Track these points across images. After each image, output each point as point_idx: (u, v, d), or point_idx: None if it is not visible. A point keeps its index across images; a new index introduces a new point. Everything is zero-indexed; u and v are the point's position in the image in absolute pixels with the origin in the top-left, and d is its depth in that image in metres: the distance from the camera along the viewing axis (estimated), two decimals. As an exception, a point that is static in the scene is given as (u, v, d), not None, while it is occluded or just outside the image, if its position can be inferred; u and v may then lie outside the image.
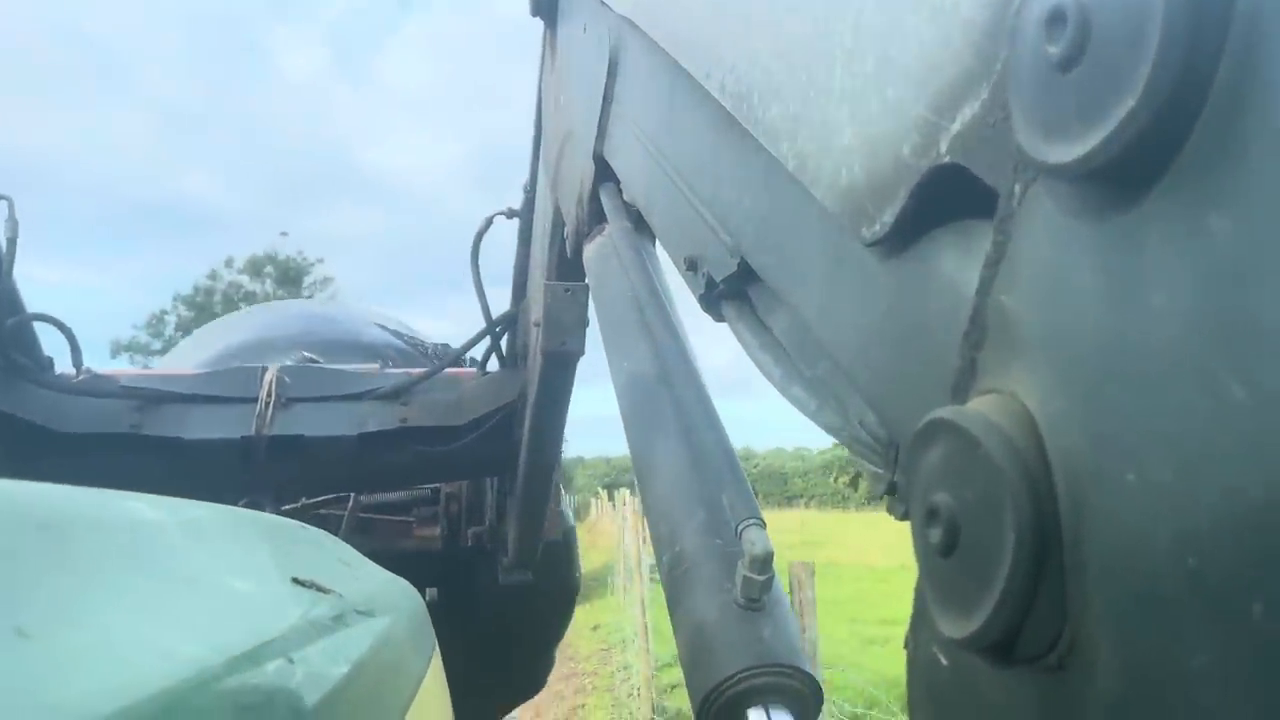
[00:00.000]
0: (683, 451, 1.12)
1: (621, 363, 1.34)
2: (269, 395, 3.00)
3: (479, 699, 3.84)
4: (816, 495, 52.67)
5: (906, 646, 0.57)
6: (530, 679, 4.54)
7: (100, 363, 3.37)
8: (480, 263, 3.20)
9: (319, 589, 0.92)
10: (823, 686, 0.89)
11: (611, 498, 24.81)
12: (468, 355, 3.44)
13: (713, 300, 1.03)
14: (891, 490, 0.65)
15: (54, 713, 0.47)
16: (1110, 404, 0.40)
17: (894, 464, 0.65)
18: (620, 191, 1.56)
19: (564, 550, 3.98)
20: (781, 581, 0.94)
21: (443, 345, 4.30)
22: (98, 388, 2.96)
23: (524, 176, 2.95)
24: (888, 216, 0.60)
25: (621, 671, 12.13)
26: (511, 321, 3.25)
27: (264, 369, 3.11)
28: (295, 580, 0.91)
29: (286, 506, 3.27)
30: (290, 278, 36.71)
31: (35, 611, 0.56)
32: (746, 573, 0.88)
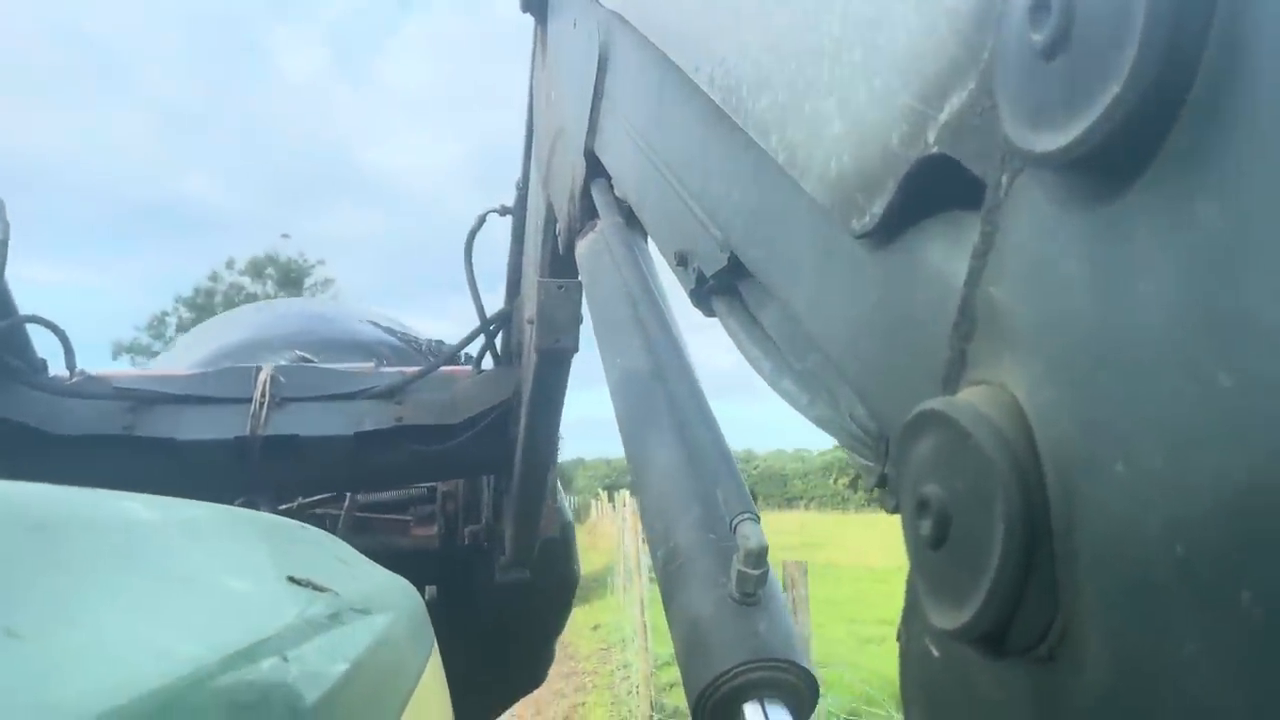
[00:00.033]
0: (677, 447, 1.12)
1: (615, 359, 1.33)
2: (263, 395, 3.00)
3: (479, 696, 3.85)
4: (816, 497, 52.67)
5: (899, 639, 0.57)
6: (530, 675, 4.54)
7: (102, 364, 3.36)
8: (478, 262, 3.20)
9: (315, 588, 0.92)
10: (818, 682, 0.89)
11: (611, 499, 24.81)
12: (463, 353, 3.44)
13: (703, 295, 1.03)
14: (882, 483, 0.65)
15: (49, 712, 0.47)
16: (1099, 394, 0.40)
17: (885, 456, 0.65)
18: (611, 187, 1.56)
19: (562, 546, 3.98)
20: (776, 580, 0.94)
21: (436, 342, 4.31)
22: (91, 389, 2.95)
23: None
24: (876, 208, 0.60)
25: (621, 670, 12.18)
26: (506, 319, 3.25)
27: (258, 369, 3.11)
28: (291, 579, 0.91)
29: (283, 506, 3.27)
30: (291, 279, 36.77)
31: (29, 612, 0.56)
32: (741, 567, 0.89)
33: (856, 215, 0.62)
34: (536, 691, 5.23)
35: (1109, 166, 0.39)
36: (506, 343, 3.30)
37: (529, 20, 2.33)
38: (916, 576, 0.52)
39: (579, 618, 15.76)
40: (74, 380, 2.98)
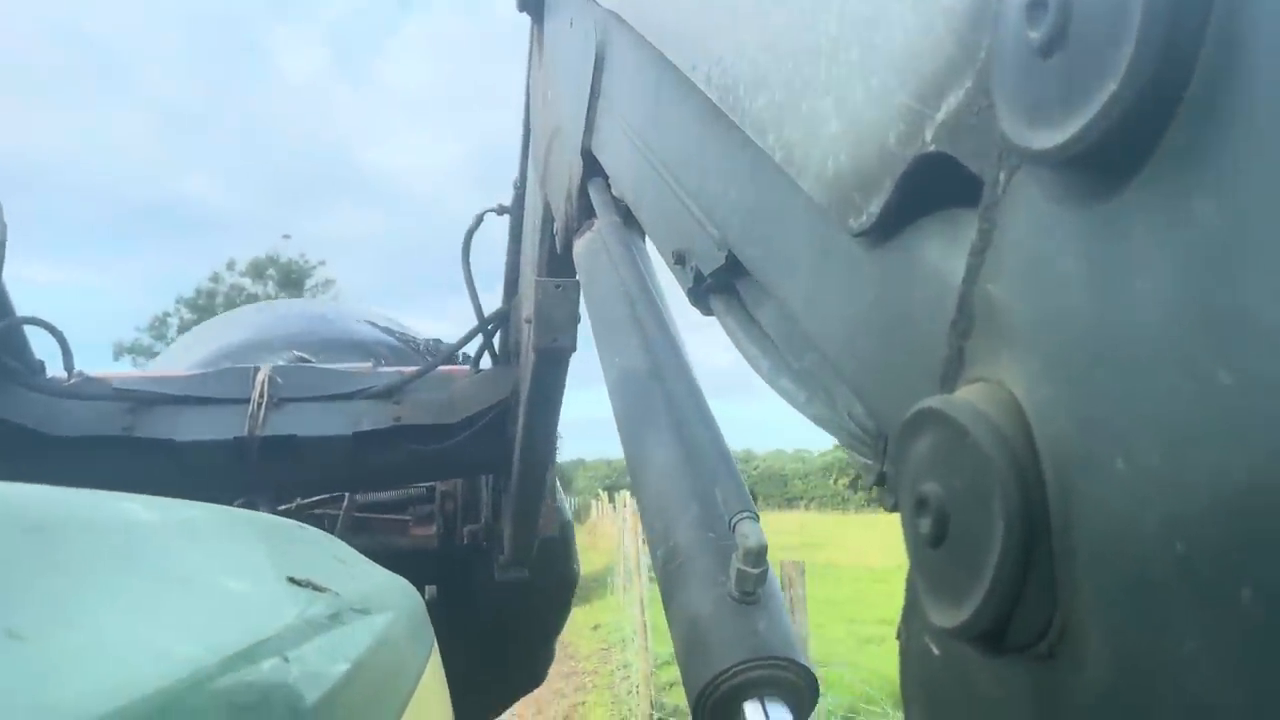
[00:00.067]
0: (675, 446, 1.12)
1: (613, 358, 1.33)
2: (261, 396, 3.00)
3: (478, 695, 3.85)
4: (816, 497, 52.66)
5: (899, 637, 0.57)
6: (530, 674, 4.55)
7: (104, 365, 3.37)
8: (477, 261, 3.20)
9: (315, 588, 0.92)
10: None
11: (612, 499, 24.81)
12: (461, 352, 3.44)
13: (701, 294, 1.03)
14: (881, 481, 0.66)
15: (49, 713, 0.47)
16: (1097, 391, 0.40)
17: (883, 455, 0.65)
18: (609, 186, 1.56)
19: (561, 545, 3.98)
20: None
21: (434, 341, 4.30)
22: (89, 391, 2.95)
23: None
24: (874, 207, 0.60)
25: (621, 670, 12.19)
26: (504, 318, 3.24)
27: (256, 369, 3.11)
28: (291, 579, 0.91)
29: (281, 507, 3.27)
30: (292, 280, 36.79)
31: (29, 613, 0.56)
32: (740, 566, 0.89)
33: (854, 214, 0.62)
34: (537, 691, 5.24)
35: (1106, 164, 0.39)
36: (504, 342, 3.30)
37: (527, 20, 2.32)
38: (916, 575, 0.52)
39: (579, 618, 15.78)
40: (72, 381, 2.98)
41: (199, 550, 0.87)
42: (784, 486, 55.02)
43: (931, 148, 0.54)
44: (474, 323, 3.25)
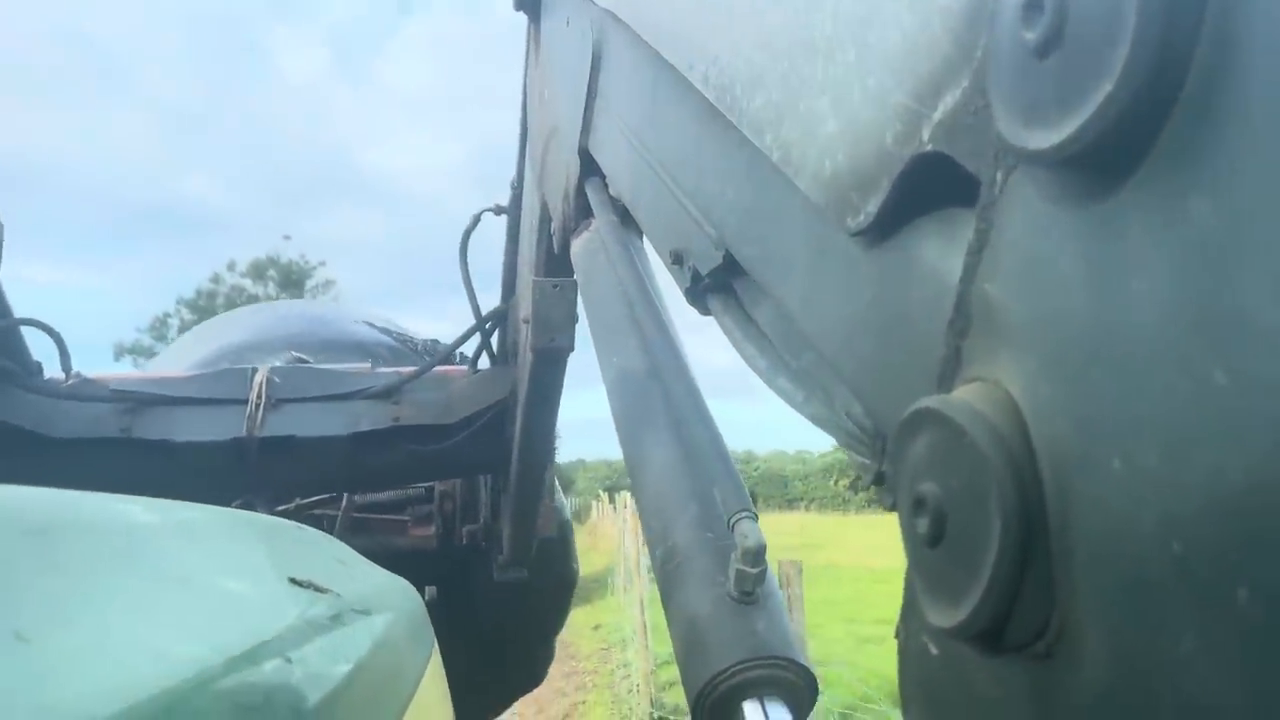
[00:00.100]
0: (674, 446, 1.12)
1: (611, 358, 1.33)
2: (259, 397, 3.00)
3: (478, 695, 3.85)
4: (817, 498, 52.59)
5: (897, 637, 0.57)
6: (529, 673, 4.55)
7: (104, 365, 3.37)
8: (476, 261, 3.20)
9: (316, 589, 0.92)
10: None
11: (612, 500, 24.80)
12: (459, 353, 3.44)
13: (698, 294, 1.03)
14: (879, 481, 0.66)
15: (52, 715, 0.47)
16: (1094, 390, 0.40)
17: (881, 454, 0.65)
18: (606, 186, 1.56)
19: (560, 545, 3.98)
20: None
21: (432, 342, 4.30)
22: (87, 392, 2.94)
23: (518, 175, 2.95)
24: (871, 206, 0.60)
25: (621, 669, 12.21)
26: (501, 318, 3.24)
27: (254, 370, 3.11)
28: (292, 580, 0.91)
29: (280, 508, 3.27)
30: (293, 281, 36.77)
31: (31, 615, 0.56)
32: (739, 565, 0.89)
33: (851, 213, 0.62)
34: (538, 690, 5.24)
35: (1102, 164, 0.40)
36: (502, 342, 3.30)
37: (526, 20, 2.32)
38: (913, 574, 0.52)
39: (580, 618, 15.80)
40: (69, 383, 2.97)
41: (199, 551, 0.87)
42: (785, 488, 54.95)
43: (928, 147, 0.54)
44: (473, 323, 3.25)
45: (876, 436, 0.66)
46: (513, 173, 2.93)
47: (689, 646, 0.91)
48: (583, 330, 2.20)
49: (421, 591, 1.49)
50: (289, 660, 0.70)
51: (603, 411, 1.31)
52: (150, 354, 32.92)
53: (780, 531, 29.35)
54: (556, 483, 3.66)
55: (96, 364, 3.15)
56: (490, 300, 3.26)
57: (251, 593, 0.84)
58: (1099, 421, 0.40)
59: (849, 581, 18.24)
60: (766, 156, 0.76)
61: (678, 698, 9.34)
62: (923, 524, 0.49)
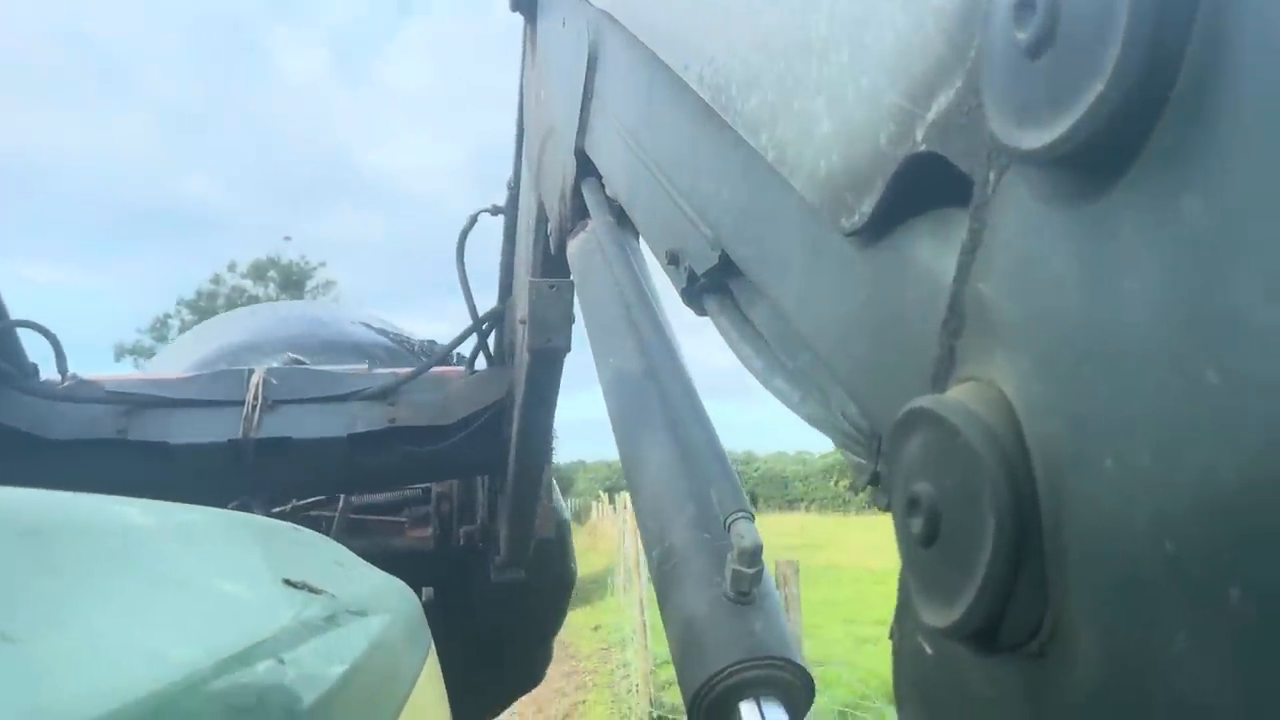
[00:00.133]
0: (670, 446, 1.12)
1: (607, 359, 1.33)
2: (255, 398, 3.00)
3: (476, 696, 3.85)
4: (817, 499, 52.45)
5: (891, 637, 0.57)
6: (527, 674, 4.55)
7: (105, 366, 3.37)
8: (475, 262, 3.21)
9: (311, 590, 0.92)
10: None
11: (612, 501, 24.78)
12: (456, 353, 3.43)
13: (694, 294, 1.03)
14: (875, 481, 0.66)
15: (44, 716, 0.47)
16: (1087, 390, 0.40)
17: (877, 454, 0.65)
18: (602, 186, 1.56)
19: (558, 546, 3.98)
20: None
21: (429, 343, 4.30)
22: (83, 394, 2.94)
23: (516, 176, 2.95)
24: (866, 206, 0.60)
25: (621, 669, 12.23)
26: (498, 319, 3.24)
27: (250, 371, 3.11)
28: (287, 581, 0.91)
29: (277, 509, 3.26)
30: (293, 281, 36.72)
31: (25, 617, 0.56)
32: (736, 566, 0.88)
33: (846, 213, 0.62)
34: (538, 690, 5.25)
35: (1094, 163, 0.40)
36: (500, 343, 3.30)
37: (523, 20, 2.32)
38: (908, 574, 0.52)
39: (580, 618, 15.81)
40: (66, 384, 2.97)
41: (194, 553, 0.87)
42: (785, 488, 54.86)
43: (922, 147, 0.54)
44: (471, 324, 3.25)
45: (872, 436, 0.66)
46: (511, 173, 2.94)
47: (686, 647, 0.91)
48: (580, 331, 2.20)
49: (419, 593, 1.49)
50: (282, 661, 0.70)
51: (603, 412, 1.31)
52: (151, 355, 32.87)
53: (780, 532, 29.36)
54: (554, 483, 3.66)
55: (97, 365, 3.14)
56: (488, 301, 3.27)
57: (246, 594, 0.84)
58: (1092, 421, 0.40)
59: (849, 582, 18.25)
60: (762, 157, 0.76)
61: (676, 697, 9.34)
62: (917, 524, 0.49)
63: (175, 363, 4.17)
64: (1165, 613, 0.36)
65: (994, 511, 0.43)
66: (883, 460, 0.64)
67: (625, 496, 16.20)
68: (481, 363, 3.34)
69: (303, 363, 3.65)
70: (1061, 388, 0.42)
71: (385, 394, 3.15)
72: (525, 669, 4.46)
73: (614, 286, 1.40)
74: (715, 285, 0.98)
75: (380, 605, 1.10)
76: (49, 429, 2.83)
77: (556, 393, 2.67)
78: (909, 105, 0.55)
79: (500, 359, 3.29)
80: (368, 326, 4.46)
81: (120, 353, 34.52)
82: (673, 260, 1.07)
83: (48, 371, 3.03)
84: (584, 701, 11.64)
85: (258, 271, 36.92)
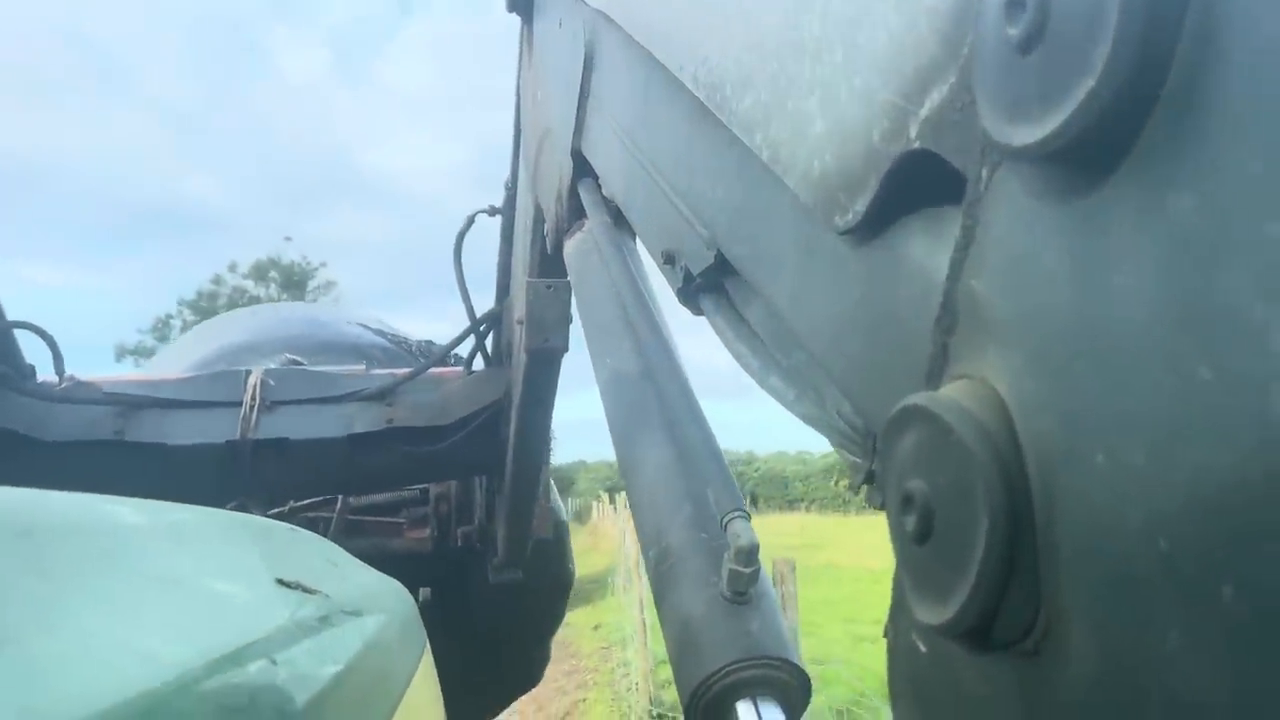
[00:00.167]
0: (667, 446, 1.12)
1: (604, 359, 1.33)
2: (253, 399, 2.99)
3: (475, 697, 3.85)
4: (817, 499, 52.46)
5: (886, 635, 0.57)
6: (525, 675, 4.55)
7: (106, 366, 3.37)
8: (474, 262, 3.21)
9: (305, 590, 0.92)
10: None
11: (613, 501, 24.79)
12: (454, 354, 3.43)
13: (690, 294, 1.03)
14: (870, 479, 0.66)
15: (37, 716, 0.47)
16: (1080, 387, 0.40)
17: (872, 453, 0.65)
18: (599, 186, 1.56)
19: (555, 546, 3.98)
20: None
21: (427, 343, 4.30)
22: (81, 395, 2.94)
23: (514, 176, 2.95)
24: (860, 205, 0.60)
25: (621, 668, 12.26)
26: (496, 320, 3.24)
27: (247, 372, 3.11)
28: (281, 582, 0.91)
29: (274, 510, 3.26)
30: (294, 282, 36.68)
31: (18, 617, 0.55)
32: (732, 565, 0.88)
33: (839, 212, 0.62)
34: (538, 688, 5.25)
35: (1085, 160, 0.40)
36: (497, 343, 3.30)
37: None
38: (902, 572, 0.52)
39: (581, 618, 15.82)
40: (63, 386, 2.97)
41: (189, 553, 0.87)
42: (785, 488, 54.87)
43: (915, 145, 0.54)
44: (468, 324, 3.25)
45: (866, 434, 0.66)
46: (509, 174, 2.94)
47: (682, 647, 0.91)
48: (578, 331, 2.20)
49: (416, 594, 1.49)
50: (275, 661, 0.70)
51: (602, 412, 1.31)
52: (152, 355, 32.81)
53: (781, 532, 29.37)
54: (552, 484, 3.66)
55: (98, 365, 3.13)
56: (485, 301, 3.27)
57: (240, 594, 0.84)
58: (1085, 417, 0.40)
59: (848, 581, 18.26)
60: (756, 156, 0.76)
61: (676, 696, 9.37)
62: (910, 521, 0.49)
63: (174, 363, 4.17)
64: (1158, 610, 0.36)
65: (987, 509, 0.43)
66: (877, 458, 0.64)
67: (625, 496, 16.22)
68: (479, 363, 3.34)
69: (300, 363, 3.65)
70: (1054, 385, 0.42)
71: (383, 395, 3.15)
72: (523, 669, 4.46)
73: (611, 286, 1.40)
74: (711, 284, 0.98)
75: (375, 605, 1.09)
76: (46, 430, 2.82)
77: (554, 393, 2.67)
78: (902, 102, 0.55)
79: (498, 359, 3.29)
80: (365, 327, 4.46)
81: (121, 353, 34.50)
82: (669, 260, 1.07)
83: (45, 373, 3.03)
84: (584, 700, 11.68)
85: (259, 272, 36.88)
